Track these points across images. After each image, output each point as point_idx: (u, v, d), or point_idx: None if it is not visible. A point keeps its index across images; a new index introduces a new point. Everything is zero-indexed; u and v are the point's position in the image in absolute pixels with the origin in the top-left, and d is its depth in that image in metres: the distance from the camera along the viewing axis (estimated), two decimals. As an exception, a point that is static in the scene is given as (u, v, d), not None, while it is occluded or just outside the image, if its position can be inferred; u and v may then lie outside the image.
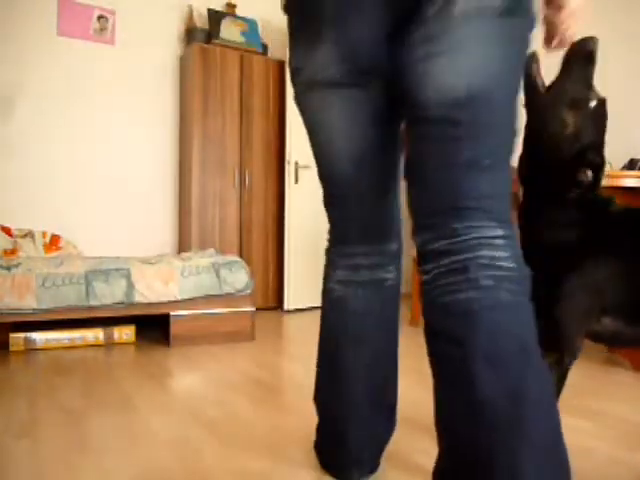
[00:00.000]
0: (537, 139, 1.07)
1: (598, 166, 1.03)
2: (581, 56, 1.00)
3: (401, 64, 0.86)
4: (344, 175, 1.04)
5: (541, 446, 0.76)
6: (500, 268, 0.80)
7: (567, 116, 1.01)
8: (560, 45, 1.01)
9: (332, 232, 1.16)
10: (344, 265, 1.11)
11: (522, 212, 1.13)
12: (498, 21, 0.80)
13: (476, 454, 0.78)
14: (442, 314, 0.83)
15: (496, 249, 0.81)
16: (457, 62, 0.80)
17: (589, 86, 1.01)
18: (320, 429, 1.23)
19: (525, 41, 0.86)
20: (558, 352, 1.06)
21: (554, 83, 1.06)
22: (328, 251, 1.17)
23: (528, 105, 1.08)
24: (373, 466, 1.19)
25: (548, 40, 1.01)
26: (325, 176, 1.10)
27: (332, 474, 1.18)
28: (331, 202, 1.13)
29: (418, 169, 0.87)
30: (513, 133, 0.85)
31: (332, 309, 1.15)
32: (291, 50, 1.03)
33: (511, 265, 0.81)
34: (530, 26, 0.85)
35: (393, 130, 1.05)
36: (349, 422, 1.13)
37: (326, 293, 1.16)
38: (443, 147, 0.82)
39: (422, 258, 0.87)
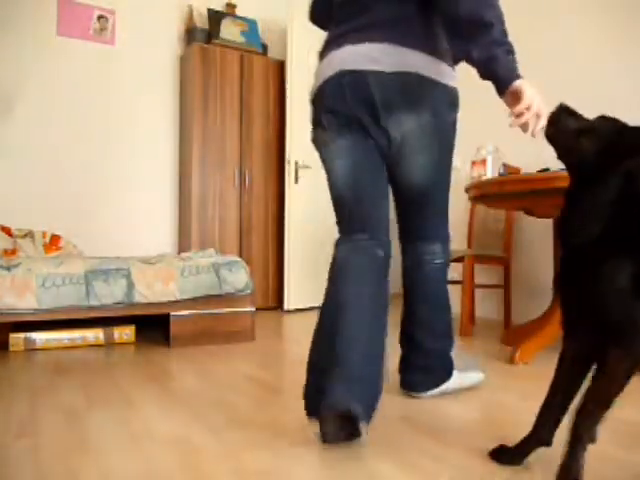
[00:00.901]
0: (573, 165, 1.13)
1: None
2: (563, 112, 1.13)
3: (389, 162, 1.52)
4: (348, 190, 1.51)
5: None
6: (435, 256, 1.66)
7: (582, 139, 1.09)
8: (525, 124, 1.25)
9: (340, 227, 1.56)
10: (348, 242, 1.50)
11: (561, 224, 1.14)
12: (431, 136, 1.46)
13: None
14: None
15: (434, 251, 1.66)
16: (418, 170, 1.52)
17: (582, 119, 1.12)
18: (310, 376, 1.37)
19: (451, 135, 1.53)
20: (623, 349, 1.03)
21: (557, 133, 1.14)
22: (337, 240, 1.53)
23: (560, 153, 1.15)
24: (368, 412, 1.29)
25: (517, 123, 1.27)
26: (335, 190, 1.55)
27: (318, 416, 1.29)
28: (339, 208, 1.56)
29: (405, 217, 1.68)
30: (447, 198, 1.64)
31: (336, 271, 1.44)
32: (312, 131, 1.57)
33: (440, 259, 1.66)
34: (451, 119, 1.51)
35: (381, 161, 1.51)
36: (348, 352, 1.29)
37: (332, 262, 1.47)
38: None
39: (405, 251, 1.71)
